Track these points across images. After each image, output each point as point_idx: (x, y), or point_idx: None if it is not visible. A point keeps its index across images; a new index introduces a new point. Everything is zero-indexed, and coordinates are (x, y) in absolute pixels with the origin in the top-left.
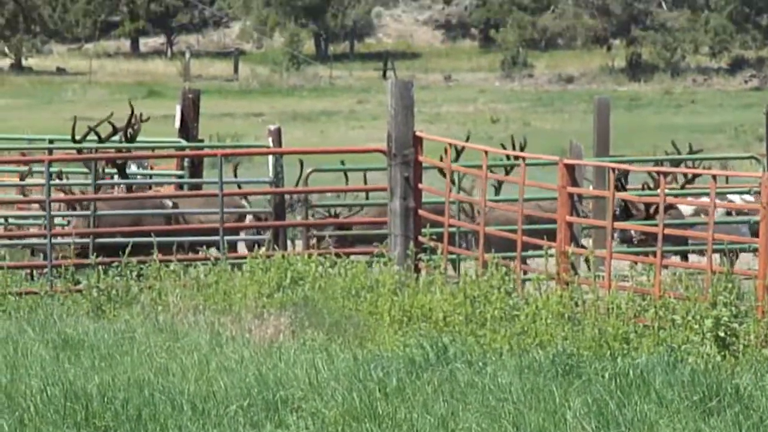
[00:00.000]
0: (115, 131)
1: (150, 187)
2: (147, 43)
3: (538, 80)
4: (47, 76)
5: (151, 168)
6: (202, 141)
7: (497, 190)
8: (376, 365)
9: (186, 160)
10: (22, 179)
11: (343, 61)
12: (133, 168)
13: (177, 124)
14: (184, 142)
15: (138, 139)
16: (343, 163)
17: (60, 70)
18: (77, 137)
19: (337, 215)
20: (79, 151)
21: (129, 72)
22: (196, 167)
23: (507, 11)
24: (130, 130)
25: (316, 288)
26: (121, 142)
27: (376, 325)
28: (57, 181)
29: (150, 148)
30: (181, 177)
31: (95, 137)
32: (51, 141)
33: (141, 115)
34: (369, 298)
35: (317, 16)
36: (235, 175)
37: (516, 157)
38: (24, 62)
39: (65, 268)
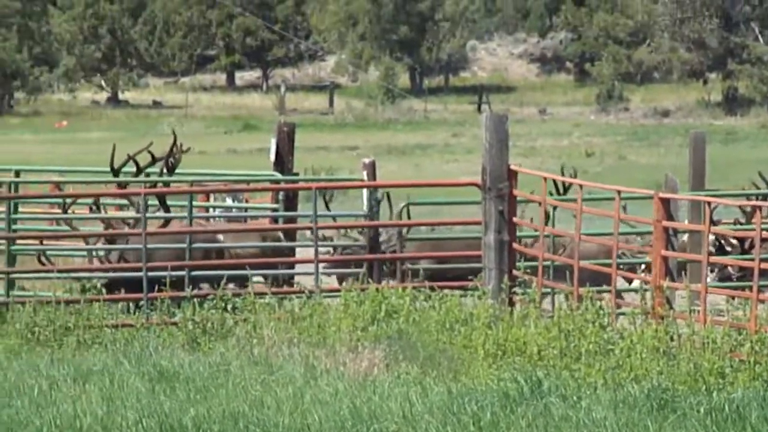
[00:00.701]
0: (153, 161)
1: (246, 220)
2: (243, 76)
3: (634, 114)
4: (143, 110)
5: (247, 201)
6: (296, 174)
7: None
8: (470, 399)
9: (281, 193)
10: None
11: (437, 94)
12: (228, 201)
13: (272, 157)
14: (279, 176)
15: (233, 172)
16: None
17: (156, 104)
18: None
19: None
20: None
21: (225, 105)
22: (290, 200)
23: (602, 45)
24: (171, 160)
25: (410, 321)
26: (161, 173)
27: (470, 358)
28: (153, 214)
29: (245, 182)
30: (275, 210)
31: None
32: (147, 174)
33: (182, 145)
34: (463, 331)
35: (412, 49)
36: (327, 209)
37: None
38: (120, 96)
39: (161, 300)
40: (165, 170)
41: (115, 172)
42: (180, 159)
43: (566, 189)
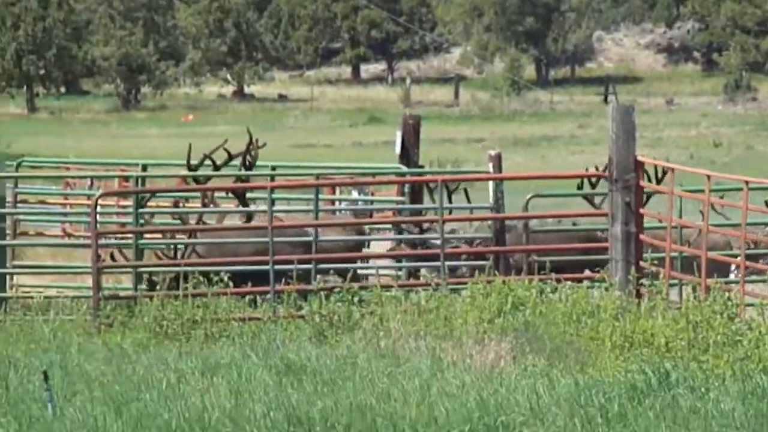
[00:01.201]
0: (230, 158)
1: (371, 214)
2: (368, 69)
3: (762, 104)
4: (269, 103)
5: (372, 194)
6: (422, 167)
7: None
8: (597, 391)
9: (406, 186)
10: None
11: (563, 85)
12: (354, 194)
13: (397, 150)
14: (404, 168)
15: (358, 164)
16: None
17: (282, 97)
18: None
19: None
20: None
21: (350, 98)
22: (416, 193)
23: (730, 34)
24: (248, 157)
25: (537, 313)
26: (239, 170)
27: (597, 350)
28: (279, 208)
29: (371, 174)
30: (401, 203)
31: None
32: (273, 168)
33: (257, 141)
34: (590, 323)
35: (538, 40)
36: (450, 201)
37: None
38: (246, 89)
39: (287, 294)
40: (242, 167)
41: (192, 170)
42: (257, 155)
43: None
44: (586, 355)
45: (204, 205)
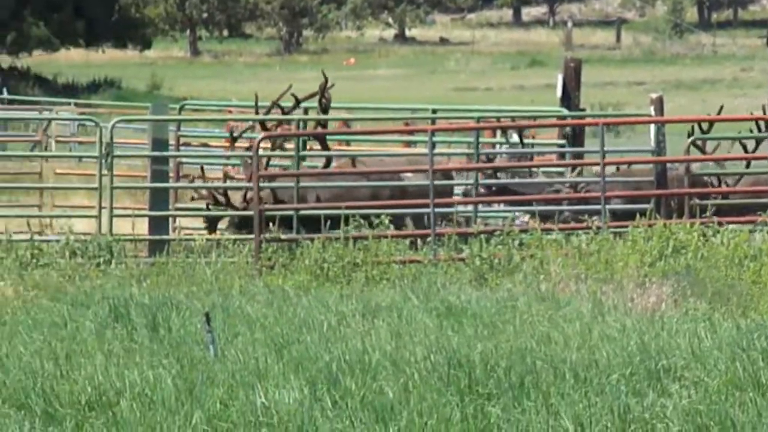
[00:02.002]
0: (297, 103)
1: (531, 158)
2: (529, 12)
3: None
4: (430, 47)
5: (533, 137)
6: (583, 110)
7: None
8: (759, 335)
9: (567, 129)
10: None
11: (726, 28)
12: (514, 137)
13: (558, 93)
14: (565, 111)
15: (519, 107)
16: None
17: (443, 40)
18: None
19: (719, 184)
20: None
21: (511, 41)
22: (577, 136)
23: None
24: (323, 101)
25: (698, 257)
26: (317, 113)
27: (759, 294)
28: (439, 151)
29: (531, 117)
30: (562, 146)
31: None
32: (434, 111)
33: (330, 85)
34: (752, 267)
35: None
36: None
37: None
38: (407, 33)
39: (448, 237)
40: (320, 111)
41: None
42: (330, 98)
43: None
44: (748, 298)
45: (273, 150)
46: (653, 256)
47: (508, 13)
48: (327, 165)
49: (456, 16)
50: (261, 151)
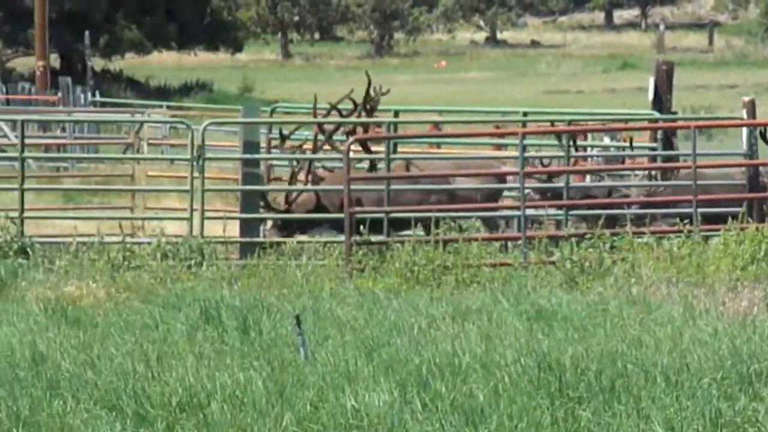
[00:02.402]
0: (355, 107)
1: (623, 160)
2: (621, 15)
3: None
4: (521, 49)
5: (625, 140)
6: (675, 113)
7: None
8: None
9: (659, 132)
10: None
11: None
12: (606, 140)
13: (650, 96)
14: (657, 114)
15: (611, 111)
16: None
17: (534, 43)
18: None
19: None
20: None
21: (602, 44)
22: (669, 139)
23: None
24: (369, 104)
25: None
26: (360, 116)
27: None
28: (531, 154)
29: (623, 121)
30: (654, 149)
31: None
32: (525, 114)
33: (380, 87)
34: None
35: None
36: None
37: None
38: (498, 35)
39: (539, 240)
40: (363, 113)
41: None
42: (378, 101)
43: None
44: None
45: (314, 152)
46: (745, 259)
47: (599, 16)
48: (372, 168)
49: (547, 19)
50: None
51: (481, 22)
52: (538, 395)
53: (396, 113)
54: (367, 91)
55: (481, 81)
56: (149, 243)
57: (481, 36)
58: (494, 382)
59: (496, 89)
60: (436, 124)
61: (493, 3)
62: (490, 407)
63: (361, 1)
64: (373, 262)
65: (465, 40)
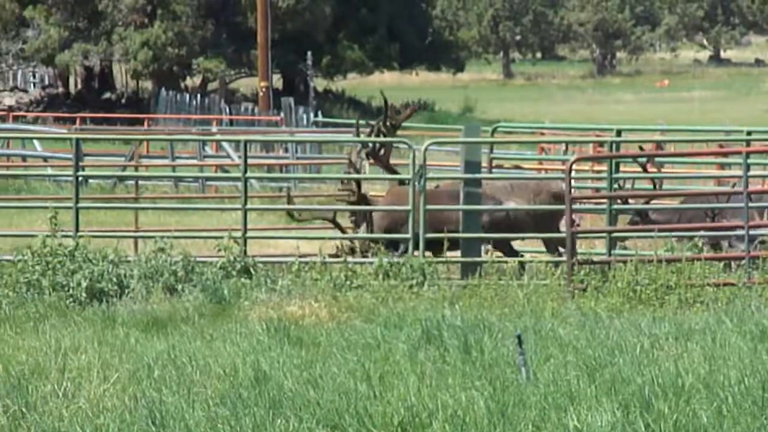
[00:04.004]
0: (392, 126)
1: None
2: None
3: None
4: (745, 68)
5: None
6: None
7: None
8: None
9: None
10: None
11: None
12: None
13: None
14: None
15: None
16: None
17: (758, 62)
18: None
19: None
20: None
21: None
22: None
23: None
24: (390, 122)
25: None
26: (375, 135)
27: None
28: (753, 173)
29: None
30: None
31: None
32: (749, 133)
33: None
34: None
35: None
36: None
37: None
38: (722, 54)
39: (763, 259)
40: (382, 131)
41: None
42: (400, 120)
43: None
44: None
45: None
46: None
47: None
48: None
49: None
50: (575, 174)
51: (705, 41)
52: (762, 416)
53: (618, 132)
54: (385, 108)
55: (704, 100)
56: (371, 263)
57: (704, 55)
58: (717, 403)
59: (719, 108)
60: (659, 144)
61: (717, 22)
62: (713, 428)
63: (584, 21)
64: (595, 281)
65: (688, 58)
